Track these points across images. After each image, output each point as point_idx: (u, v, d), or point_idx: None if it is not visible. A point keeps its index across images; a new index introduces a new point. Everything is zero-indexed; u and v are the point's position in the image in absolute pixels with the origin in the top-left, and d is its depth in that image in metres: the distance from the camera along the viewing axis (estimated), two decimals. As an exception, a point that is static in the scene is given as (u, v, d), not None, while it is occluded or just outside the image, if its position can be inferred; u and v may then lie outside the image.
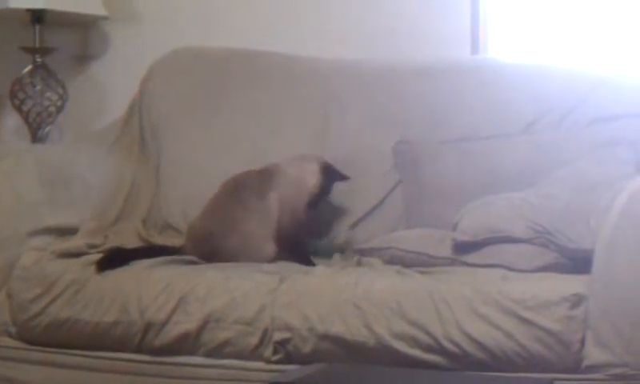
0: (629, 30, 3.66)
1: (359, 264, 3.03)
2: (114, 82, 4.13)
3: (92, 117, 4.14)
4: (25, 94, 4.04)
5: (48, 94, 4.05)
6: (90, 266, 3.00)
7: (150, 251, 3.14)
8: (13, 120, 4.17)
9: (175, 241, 3.33)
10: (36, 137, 4.04)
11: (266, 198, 3.18)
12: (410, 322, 2.66)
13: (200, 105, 3.67)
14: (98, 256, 3.05)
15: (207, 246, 3.13)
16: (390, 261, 2.96)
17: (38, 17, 3.99)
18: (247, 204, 3.16)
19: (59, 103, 4.05)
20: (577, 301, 2.59)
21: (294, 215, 3.19)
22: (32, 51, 4.03)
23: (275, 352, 2.76)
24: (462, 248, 2.91)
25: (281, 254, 3.12)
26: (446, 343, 2.62)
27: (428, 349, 2.64)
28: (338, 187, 3.35)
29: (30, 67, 4.04)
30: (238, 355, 2.79)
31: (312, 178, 3.23)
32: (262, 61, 3.73)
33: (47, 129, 4.06)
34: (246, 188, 3.20)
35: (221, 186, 3.24)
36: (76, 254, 3.08)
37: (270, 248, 3.13)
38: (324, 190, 3.26)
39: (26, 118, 4.05)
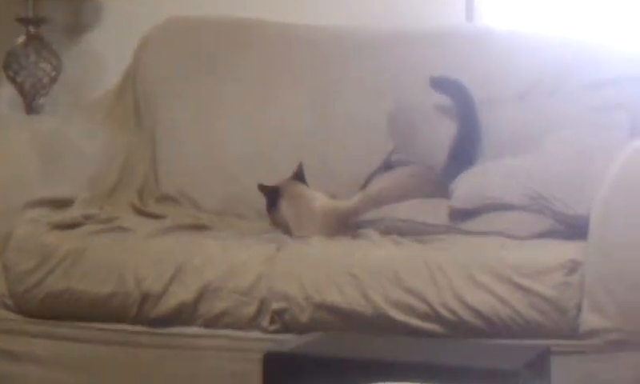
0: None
1: (355, 236, 3.03)
2: (107, 52, 4.11)
3: (86, 87, 4.12)
4: (19, 65, 4.02)
5: (42, 65, 4.03)
6: (86, 236, 3.01)
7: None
8: (7, 91, 4.16)
9: (172, 210, 3.34)
10: (30, 108, 4.03)
11: None
12: (407, 290, 2.67)
13: (194, 74, 3.66)
14: (94, 227, 3.05)
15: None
16: (386, 231, 2.95)
17: (30, -13, 3.97)
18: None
19: (53, 74, 4.04)
20: (573, 267, 2.60)
21: None
22: (25, 22, 4.01)
23: (272, 322, 2.77)
24: (459, 215, 2.91)
25: None
26: (442, 310, 2.63)
27: (424, 316, 2.65)
28: (336, 155, 3.38)
29: (23, 38, 4.01)
30: (236, 325, 2.79)
31: None
32: (256, 29, 3.71)
33: (41, 100, 4.04)
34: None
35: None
36: (72, 225, 3.08)
37: None
38: None
39: (20, 89, 4.04)
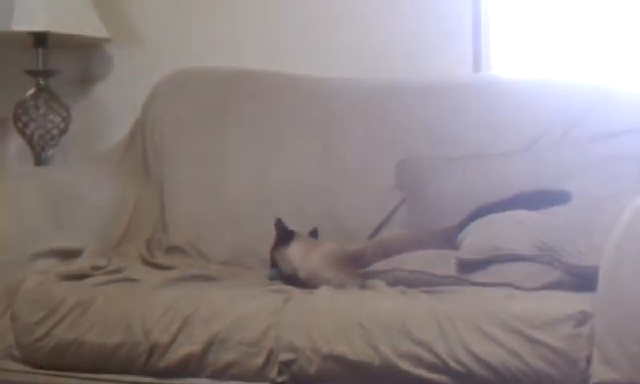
0: (630, 46, 3.67)
1: (363, 286, 3.02)
2: (117, 103, 4.13)
3: (95, 139, 4.14)
4: (28, 117, 4.05)
5: (51, 117, 4.06)
6: (94, 287, 3.00)
7: None
8: (16, 143, 4.18)
9: (179, 261, 3.33)
10: (39, 159, 4.05)
11: None
12: (415, 342, 2.65)
13: (203, 125, 3.68)
14: (102, 278, 3.05)
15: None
16: (395, 282, 2.94)
17: (40, 40, 4.00)
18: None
19: (62, 125, 4.06)
20: (582, 318, 2.58)
21: None
22: (35, 74, 4.04)
23: (280, 373, 2.75)
24: (467, 267, 2.90)
25: None
26: (450, 362, 2.61)
27: (433, 368, 2.63)
28: (345, 207, 3.38)
29: (33, 90, 4.04)
30: (243, 376, 2.78)
31: None
32: (264, 80, 3.73)
33: (50, 151, 4.06)
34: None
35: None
36: (80, 276, 3.08)
37: None
38: None
39: (29, 140, 4.06)
